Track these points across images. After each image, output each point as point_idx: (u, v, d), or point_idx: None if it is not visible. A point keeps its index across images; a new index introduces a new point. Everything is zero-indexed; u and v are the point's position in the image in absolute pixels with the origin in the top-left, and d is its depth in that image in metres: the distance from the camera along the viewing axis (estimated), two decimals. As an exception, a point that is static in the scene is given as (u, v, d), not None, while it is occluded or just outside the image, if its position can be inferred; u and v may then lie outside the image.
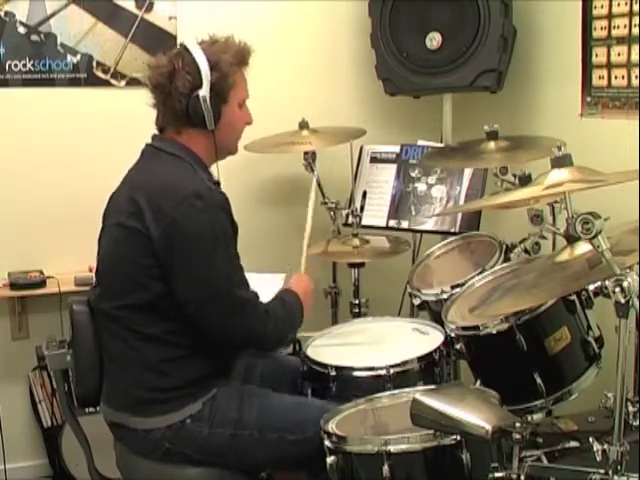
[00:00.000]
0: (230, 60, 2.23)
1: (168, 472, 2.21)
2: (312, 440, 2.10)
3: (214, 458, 2.20)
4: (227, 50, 2.24)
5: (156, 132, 2.32)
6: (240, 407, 2.21)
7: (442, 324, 2.42)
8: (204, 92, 2.19)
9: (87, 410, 2.85)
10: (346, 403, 2.19)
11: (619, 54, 2.81)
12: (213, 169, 2.33)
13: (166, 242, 2.10)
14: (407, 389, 2.21)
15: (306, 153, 3.21)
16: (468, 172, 3.07)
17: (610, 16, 2.83)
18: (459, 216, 3.05)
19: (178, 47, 2.29)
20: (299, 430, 2.18)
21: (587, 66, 2.94)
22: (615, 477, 1.76)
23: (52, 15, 3.18)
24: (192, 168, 2.22)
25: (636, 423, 2.14)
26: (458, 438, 1.86)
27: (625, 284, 1.68)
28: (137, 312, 2.17)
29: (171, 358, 2.17)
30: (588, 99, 2.96)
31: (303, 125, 3.18)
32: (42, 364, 2.74)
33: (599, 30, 2.88)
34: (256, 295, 2.22)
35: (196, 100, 2.19)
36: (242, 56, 2.27)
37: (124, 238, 2.17)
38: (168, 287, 2.13)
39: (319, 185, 3.25)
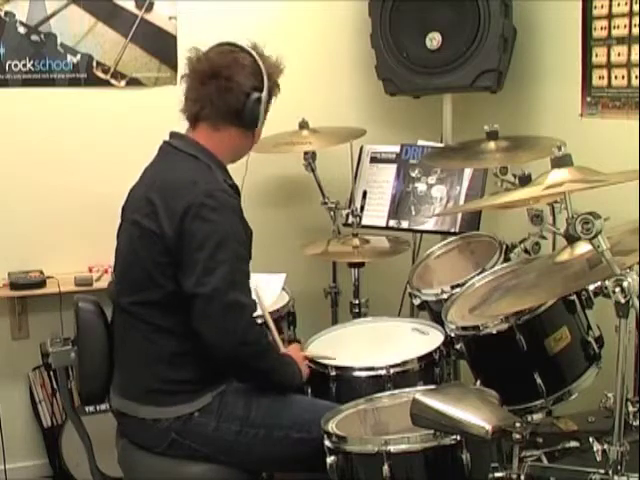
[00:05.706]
0: (276, 76, 2.35)
1: (170, 468, 2.21)
2: (316, 440, 2.10)
3: (218, 453, 2.20)
4: (277, 66, 2.36)
5: (173, 130, 2.32)
6: (248, 404, 2.22)
7: (442, 324, 2.42)
8: (265, 94, 2.27)
9: (87, 410, 2.85)
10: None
11: (619, 54, 2.81)
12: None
13: (177, 240, 2.13)
14: (407, 389, 2.21)
15: (306, 153, 3.22)
16: (468, 172, 3.07)
17: (610, 16, 2.83)
18: (459, 216, 3.05)
19: (237, 46, 2.30)
20: (305, 429, 2.19)
21: (587, 66, 2.94)
22: (615, 477, 1.76)
23: (52, 15, 3.18)
24: (209, 168, 2.23)
25: (636, 423, 2.13)
26: (458, 438, 1.87)
27: (625, 284, 1.68)
28: (152, 307, 2.19)
29: (184, 351, 2.19)
30: (588, 99, 2.96)
31: (303, 125, 3.18)
32: (45, 361, 2.73)
33: (599, 30, 2.88)
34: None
35: (256, 101, 2.24)
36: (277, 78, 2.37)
37: (139, 237, 2.20)
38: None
39: (319, 185, 3.26)
